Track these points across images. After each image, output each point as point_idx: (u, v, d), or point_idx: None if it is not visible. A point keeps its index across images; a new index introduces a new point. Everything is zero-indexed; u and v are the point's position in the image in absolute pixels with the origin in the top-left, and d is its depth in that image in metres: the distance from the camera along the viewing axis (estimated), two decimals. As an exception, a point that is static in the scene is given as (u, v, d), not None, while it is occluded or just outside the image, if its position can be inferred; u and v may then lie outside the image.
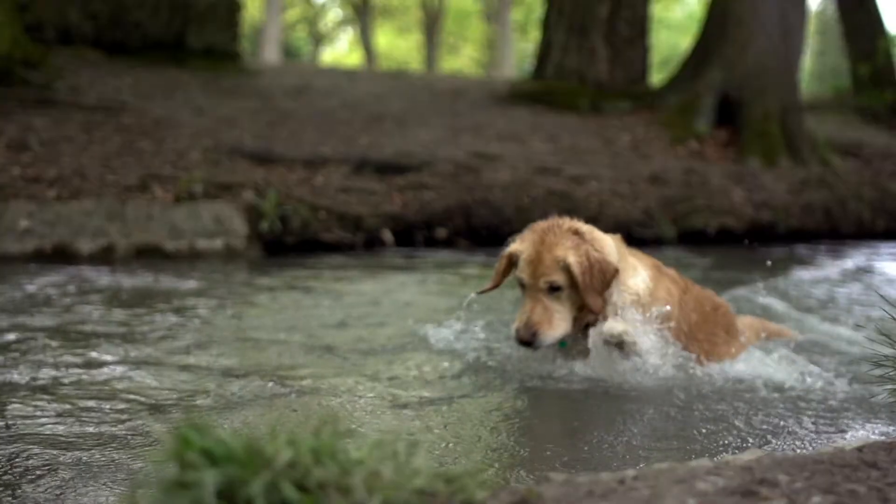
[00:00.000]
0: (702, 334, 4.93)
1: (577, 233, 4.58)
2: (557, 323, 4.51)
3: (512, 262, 4.71)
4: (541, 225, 4.69)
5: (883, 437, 2.72)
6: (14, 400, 4.25)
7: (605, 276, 4.50)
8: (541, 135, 15.69)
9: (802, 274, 9.76)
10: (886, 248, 13.14)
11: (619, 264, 4.62)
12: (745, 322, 5.64)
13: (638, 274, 4.74)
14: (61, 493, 3.17)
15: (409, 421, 4.03)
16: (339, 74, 22.00)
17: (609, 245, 4.67)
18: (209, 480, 1.68)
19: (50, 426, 3.89)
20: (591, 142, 15.76)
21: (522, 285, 4.63)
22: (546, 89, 18.75)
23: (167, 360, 5.18)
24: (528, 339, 4.46)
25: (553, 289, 4.49)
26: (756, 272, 8.78)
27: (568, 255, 4.46)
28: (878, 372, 3.28)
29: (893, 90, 22.77)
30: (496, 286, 4.83)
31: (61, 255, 9.01)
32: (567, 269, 4.45)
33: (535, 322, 4.46)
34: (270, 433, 1.82)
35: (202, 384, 4.67)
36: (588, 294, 4.45)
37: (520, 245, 4.68)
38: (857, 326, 6.34)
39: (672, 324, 4.71)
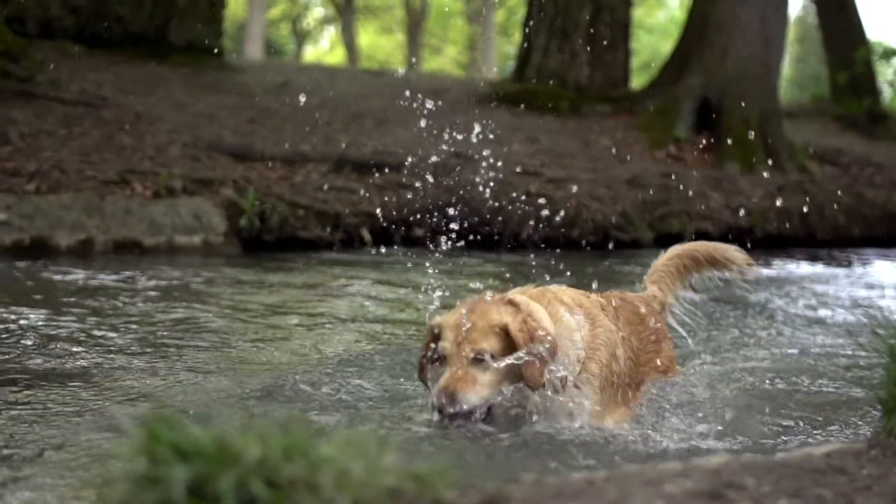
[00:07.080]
0: (643, 356, 4.54)
1: (512, 303, 3.99)
2: (480, 387, 3.79)
3: (436, 336, 3.99)
4: (472, 298, 4.06)
5: (852, 443, 2.75)
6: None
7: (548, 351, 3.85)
8: (520, 136, 15.70)
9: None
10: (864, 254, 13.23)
11: (556, 328, 3.99)
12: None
13: (575, 335, 4.07)
14: (35, 488, 3.16)
15: (378, 419, 4.03)
16: (321, 72, 21.95)
17: (546, 318, 4.03)
18: (179, 476, 1.69)
19: (20, 418, 3.88)
20: (570, 144, 15.78)
21: (443, 357, 3.90)
22: (526, 91, 18.76)
23: (137, 356, 5.16)
24: (445, 403, 3.72)
25: (479, 359, 3.81)
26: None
27: (504, 319, 3.87)
28: (852, 376, 3.31)
29: (872, 98, 22.92)
30: (422, 370, 4.09)
31: (40, 249, 8.96)
32: (502, 336, 3.84)
33: (453, 383, 3.76)
34: (241, 429, 1.82)
35: (171, 380, 4.67)
36: (527, 367, 3.77)
37: (446, 316, 4.04)
38: (834, 333, 6.37)
39: (616, 366, 4.24)
